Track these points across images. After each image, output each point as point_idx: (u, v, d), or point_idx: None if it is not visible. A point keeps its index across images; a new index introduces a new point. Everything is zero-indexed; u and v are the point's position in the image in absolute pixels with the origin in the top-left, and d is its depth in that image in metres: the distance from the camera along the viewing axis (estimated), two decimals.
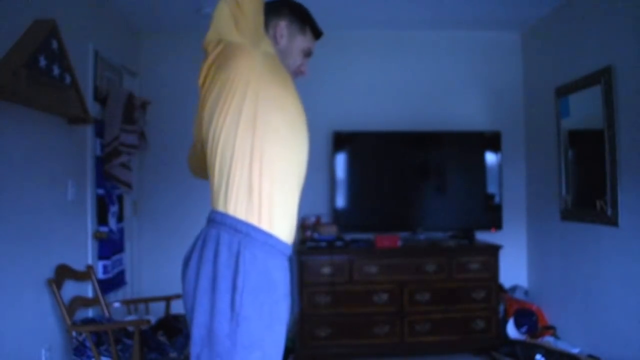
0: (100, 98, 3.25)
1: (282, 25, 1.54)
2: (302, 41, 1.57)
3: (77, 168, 2.96)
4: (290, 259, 1.41)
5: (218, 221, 1.33)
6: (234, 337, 1.26)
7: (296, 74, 1.60)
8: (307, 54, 1.61)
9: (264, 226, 1.32)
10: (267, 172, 1.32)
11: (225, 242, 1.30)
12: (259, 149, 1.32)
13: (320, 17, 1.63)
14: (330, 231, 3.77)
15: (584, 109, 3.37)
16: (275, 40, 1.54)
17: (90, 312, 3.00)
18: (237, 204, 1.32)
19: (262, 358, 1.30)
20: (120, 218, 3.47)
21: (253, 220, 1.31)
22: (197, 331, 1.30)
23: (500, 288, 3.83)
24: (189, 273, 1.35)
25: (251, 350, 1.28)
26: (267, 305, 1.29)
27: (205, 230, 1.37)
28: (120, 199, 3.49)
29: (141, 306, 3.18)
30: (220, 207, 1.34)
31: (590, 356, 3.09)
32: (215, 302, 1.28)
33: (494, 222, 3.99)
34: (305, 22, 1.58)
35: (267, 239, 1.32)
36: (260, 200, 1.32)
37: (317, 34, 1.63)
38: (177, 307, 3.25)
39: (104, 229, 3.18)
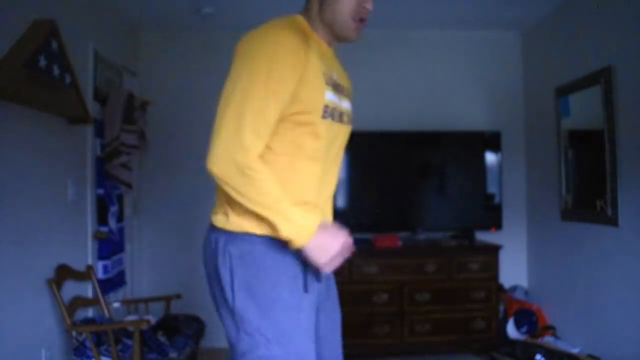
0: (100, 98, 3.24)
1: None
2: None
3: (77, 168, 2.96)
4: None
5: (209, 228, 1.43)
6: (238, 328, 1.33)
7: (362, 18, 1.38)
8: None
9: (234, 228, 1.35)
10: None
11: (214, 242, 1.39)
12: None
13: None
14: None
15: (584, 109, 3.37)
16: (319, 6, 1.35)
17: (90, 312, 2.99)
18: (219, 213, 1.40)
19: (266, 345, 1.30)
20: (120, 218, 3.47)
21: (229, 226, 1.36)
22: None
23: (500, 288, 3.83)
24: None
25: (253, 337, 1.31)
26: (261, 294, 1.32)
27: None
28: (120, 199, 3.48)
29: (141, 306, 3.18)
30: (212, 216, 1.43)
31: (590, 356, 3.09)
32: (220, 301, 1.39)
33: (494, 222, 3.99)
34: None
35: (243, 237, 1.34)
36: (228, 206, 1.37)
37: None
38: (177, 307, 3.25)
39: (104, 228, 3.18)
